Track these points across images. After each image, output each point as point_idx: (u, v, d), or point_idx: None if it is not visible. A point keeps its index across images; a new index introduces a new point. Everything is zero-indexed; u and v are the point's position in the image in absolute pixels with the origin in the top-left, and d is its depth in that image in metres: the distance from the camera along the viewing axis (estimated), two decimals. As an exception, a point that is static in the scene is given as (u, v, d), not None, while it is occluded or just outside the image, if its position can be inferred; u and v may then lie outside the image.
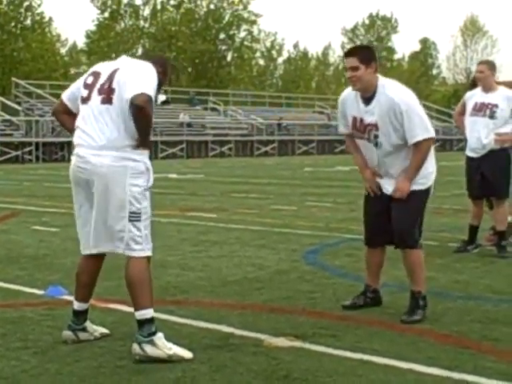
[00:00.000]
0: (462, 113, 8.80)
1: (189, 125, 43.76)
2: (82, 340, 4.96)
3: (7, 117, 37.86)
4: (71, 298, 6.09)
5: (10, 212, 12.93)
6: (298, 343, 4.91)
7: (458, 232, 9.26)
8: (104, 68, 4.90)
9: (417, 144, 5.46)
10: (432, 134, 5.52)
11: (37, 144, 36.20)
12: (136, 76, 4.68)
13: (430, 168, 5.69)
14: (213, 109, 49.93)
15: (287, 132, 48.33)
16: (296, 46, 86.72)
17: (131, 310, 5.57)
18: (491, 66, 8.69)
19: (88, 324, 5.05)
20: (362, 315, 5.69)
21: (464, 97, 8.84)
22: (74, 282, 5.11)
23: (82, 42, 71.58)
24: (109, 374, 4.32)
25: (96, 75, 4.86)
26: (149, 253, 4.75)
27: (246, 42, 73.14)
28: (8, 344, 4.93)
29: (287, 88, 75.50)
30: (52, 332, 5.19)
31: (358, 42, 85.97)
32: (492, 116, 8.38)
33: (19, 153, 35.86)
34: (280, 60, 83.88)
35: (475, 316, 5.60)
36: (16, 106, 39.74)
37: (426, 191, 5.69)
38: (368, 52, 5.66)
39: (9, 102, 40.18)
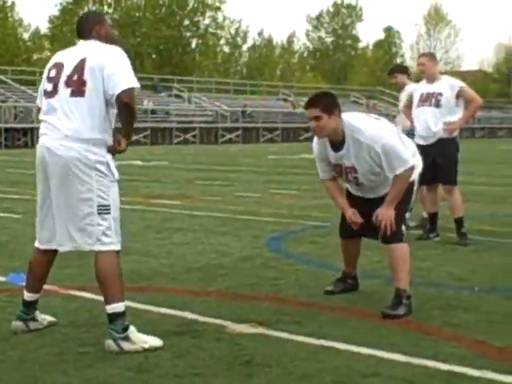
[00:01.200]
0: (409, 105, 9.11)
1: (153, 111, 43.58)
2: (31, 330, 4.90)
3: (-31, 102, 37.41)
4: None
5: (-28, 198, 12.79)
6: (261, 329, 4.93)
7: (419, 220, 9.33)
8: (67, 58, 4.72)
9: (397, 175, 5.39)
10: (410, 163, 5.39)
11: (-1, 130, 35.83)
12: (115, 67, 4.55)
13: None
14: (177, 95, 49.79)
15: (251, 119, 48.32)
16: (261, 33, 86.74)
17: (93, 296, 5.59)
18: (432, 57, 9.07)
19: (37, 313, 4.99)
20: (325, 301, 5.72)
21: (409, 90, 9.27)
22: (27, 273, 5.04)
23: (45, 27, 70.92)
24: (71, 361, 4.30)
25: (59, 67, 4.71)
26: (118, 246, 4.65)
27: (210, 29, 73.00)
28: (-31, 331, 4.89)
29: (252, 75, 75.44)
30: (13, 319, 5.14)
31: (323, 30, 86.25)
32: (438, 104, 8.62)
33: (-19, 138, 35.47)
34: (245, 47, 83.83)
35: (436, 302, 5.66)
36: (-23, 92, 39.28)
37: (410, 187, 5.58)
38: (329, 100, 5.47)
39: (-30, 88, 39.70)
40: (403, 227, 5.53)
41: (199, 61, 72.26)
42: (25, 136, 36.60)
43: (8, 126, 36.58)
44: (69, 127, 4.56)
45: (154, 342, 4.57)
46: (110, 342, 4.50)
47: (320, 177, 5.87)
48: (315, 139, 5.68)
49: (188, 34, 71.73)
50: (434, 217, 8.82)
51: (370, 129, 5.39)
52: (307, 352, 4.47)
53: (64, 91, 4.63)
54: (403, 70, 10.26)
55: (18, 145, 36.22)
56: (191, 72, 67.12)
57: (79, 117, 4.57)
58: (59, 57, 4.81)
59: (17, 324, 4.92)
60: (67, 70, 4.65)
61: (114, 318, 4.54)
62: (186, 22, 71.28)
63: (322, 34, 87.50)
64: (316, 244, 8.24)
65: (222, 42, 78.66)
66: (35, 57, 70.04)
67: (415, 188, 5.70)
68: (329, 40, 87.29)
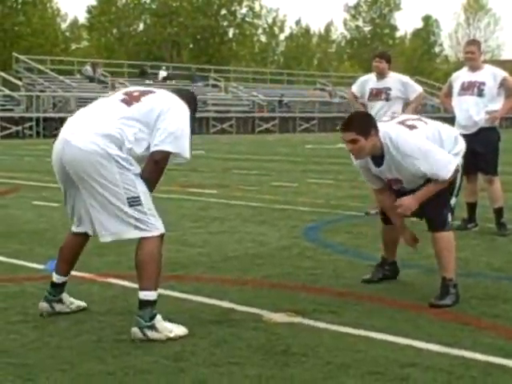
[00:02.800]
0: (449, 94, 9.04)
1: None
2: (57, 311, 4.98)
3: (8, 92, 37.76)
4: (71, 272, 6.12)
5: (11, 187, 12.93)
6: (297, 319, 4.92)
7: (459, 210, 9.24)
8: (137, 88, 4.92)
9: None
10: (452, 167, 5.30)
11: (37, 119, 36.12)
12: (171, 123, 4.59)
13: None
14: (214, 85, 49.80)
15: (288, 109, 48.23)
16: (298, 22, 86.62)
17: (131, 284, 5.61)
18: (479, 45, 8.96)
19: (64, 295, 5.06)
20: (362, 291, 5.69)
21: (450, 78, 9.05)
22: (57, 255, 5.10)
23: (83, 17, 71.35)
24: (108, 349, 4.32)
25: (133, 89, 4.92)
26: (160, 230, 4.64)
27: (247, 18, 72.93)
28: (8, 318, 4.94)
29: (289, 65, 75.28)
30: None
31: (361, 20, 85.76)
32: (480, 94, 8.54)
33: (20, 128, 35.78)
34: (282, 36, 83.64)
35: (475, 293, 5.60)
36: (17, 81, 39.62)
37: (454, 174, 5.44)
38: (364, 121, 5.34)
39: (9, 77, 40.06)
40: (449, 215, 5.47)
41: (236, 50, 72.23)
42: (62, 125, 36.76)
43: (46, 115, 36.89)
44: (99, 124, 4.59)
45: (180, 330, 4.58)
46: (135, 330, 4.52)
47: (372, 188, 5.78)
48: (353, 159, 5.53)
49: (225, 24, 71.71)
50: (473, 206, 8.75)
51: (408, 141, 5.28)
52: (344, 342, 4.45)
53: (119, 96, 4.78)
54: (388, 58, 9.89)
55: (55, 134, 36.33)
56: (228, 61, 67.13)
57: (112, 117, 4.60)
58: (131, 88, 4.99)
59: (42, 305, 5.01)
60: (130, 90, 4.85)
61: (144, 304, 4.54)
62: (223, 12, 71.26)
63: (360, 23, 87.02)
64: (353, 234, 8.20)
65: (259, 31, 78.62)
66: (73, 47, 70.55)
67: (459, 175, 5.59)
68: (366, 29, 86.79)
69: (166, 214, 9.46)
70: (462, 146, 5.64)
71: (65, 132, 4.72)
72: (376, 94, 9.62)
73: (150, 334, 4.50)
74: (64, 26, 71.55)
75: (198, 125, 42.35)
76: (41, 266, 6.51)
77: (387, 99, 9.54)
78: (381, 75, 9.59)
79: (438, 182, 5.31)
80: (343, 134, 5.29)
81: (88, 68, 44.65)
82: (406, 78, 9.87)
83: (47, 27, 61.27)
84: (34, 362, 4.09)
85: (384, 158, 5.34)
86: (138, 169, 4.58)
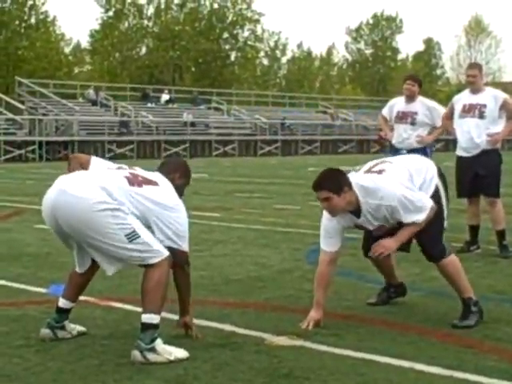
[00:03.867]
0: (450, 116, 9.03)
1: (192, 124, 43.76)
2: (59, 338, 4.97)
3: (10, 115, 37.90)
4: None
5: (13, 210, 12.94)
6: (300, 342, 4.92)
7: (461, 232, 9.25)
8: (142, 170, 5.01)
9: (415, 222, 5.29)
10: (427, 208, 5.24)
11: (40, 143, 36.20)
12: (180, 224, 4.77)
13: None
14: (216, 108, 49.95)
15: (290, 132, 48.32)
16: (300, 45, 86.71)
17: (133, 308, 5.62)
18: (480, 68, 9.00)
19: (67, 323, 5.06)
20: (364, 314, 5.69)
21: (452, 100, 9.07)
22: (67, 280, 5.15)
23: (85, 41, 71.65)
24: (110, 372, 4.32)
25: (131, 168, 5.00)
26: (164, 254, 4.66)
27: (249, 42, 73.12)
28: (10, 342, 4.94)
29: (291, 88, 75.47)
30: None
31: (362, 42, 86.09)
32: (481, 116, 8.56)
33: (22, 151, 35.88)
34: (284, 60, 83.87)
35: (477, 315, 5.59)
36: (19, 105, 39.77)
37: (437, 190, 5.49)
38: (335, 178, 5.24)
39: (12, 101, 40.21)
40: (443, 241, 5.46)
41: (238, 73, 72.42)
42: (65, 149, 36.96)
43: (49, 139, 36.99)
44: (96, 178, 4.69)
45: (180, 353, 4.58)
46: (136, 353, 4.52)
47: (324, 251, 5.62)
48: (328, 215, 5.44)
49: (227, 47, 71.94)
50: (475, 229, 8.75)
51: (382, 188, 5.22)
52: (346, 365, 4.45)
53: (123, 171, 4.86)
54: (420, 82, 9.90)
55: (58, 157, 36.57)
56: (230, 85, 67.31)
57: (113, 181, 4.67)
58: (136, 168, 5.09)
59: (45, 331, 5.00)
60: (136, 172, 4.91)
61: (146, 327, 4.55)
62: (225, 35, 71.52)
63: (362, 45, 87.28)
64: (355, 256, 8.17)
65: (261, 54, 78.76)
66: (76, 70, 70.77)
67: (442, 194, 5.55)
68: (368, 52, 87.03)
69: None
70: (432, 171, 5.56)
71: (60, 182, 4.70)
72: (402, 117, 9.53)
73: (151, 356, 4.50)
74: (67, 50, 71.89)
75: (201, 147, 42.47)
76: (43, 290, 6.52)
77: (412, 123, 9.44)
78: (410, 98, 9.53)
79: (413, 225, 5.27)
80: (316, 192, 5.25)
81: (91, 92, 44.80)
82: (433, 103, 9.78)
83: (50, 51, 61.44)
84: (36, 386, 4.09)
85: (361, 211, 5.29)
86: (129, 209, 4.61)
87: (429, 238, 5.40)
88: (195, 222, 11.27)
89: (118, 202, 4.56)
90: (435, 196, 5.42)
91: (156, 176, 4.94)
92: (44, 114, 39.31)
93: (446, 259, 5.42)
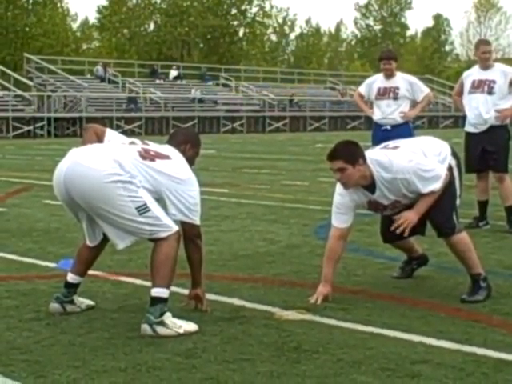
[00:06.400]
0: (460, 92, 9.02)
1: (200, 100, 43.71)
2: (68, 312, 5.01)
3: (19, 92, 37.90)
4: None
5: (22, 186, 12.98)
6: (308, 316, 4.94)
7: (470, 208, 9.24)
8: (153, 144, 5.02)
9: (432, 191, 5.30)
10: (442, 175, 5.26)
11: (49, 119, 36.24)
12: (191, 196, 4.79)
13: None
14: (224, 85, 49.82)
15: (299, 108, 48.22)
16: (308, 21, 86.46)
17: (142, 282, 5.65)
18: (491, 44, 9.02)
19: (75, 297, 5.10)
20: (373, 289, 5.70)
21: (462, 76, 9.05)
22: (76, 255, 5.20)
23: (93, 18, 71.48)
24: (120, 345, 4.34)
25: (143, 143, 5.01)
26: (174, 228, 4.70)
27: (257, 18, 72.83)
28: (21, 315, 4.97)
29: (299, 64, 75.23)
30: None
31: (371, 18, 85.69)
32: (490, 92, 8.56)
33: (31, 128, 35.90)
34: (292, 36, 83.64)
35: (486, 290, 5.59)
36: (28, 82, 39.79)
37: (451, 169, 5.45)
38: (352, 149, 5.26)
39: (21, 78, 40.21)
40: (454, 217, 5.43)
41: (246, 50, 72.22)
42: (74, 125, 36.99)
43: (57, 115, 37.00)
44: (109, 151, 4.72)
45: (189, 327, 4.61)
46: (145, 326, 4.55)
47: (334, 227, 5.58)
48: (342, 188, 5.40)
49: (235, 23, 71.68)
50: (484, 205, 8.75)
51: (396, 162, 5.23)
52: (355, 339, 4.46)
53: (135, 146, 4.88)
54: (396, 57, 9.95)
55: (67, 134, 36.62)
56: (238, 61, 67.15)
57: (126, 155, 4.69)
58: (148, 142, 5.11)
59: (54, 306, 5.03)
60: (148, 147, 4.91)
61: (155, 301, 4.58)
62: (234, 11, 71.25)
63: (371, 21, 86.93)
64: (363, 232, 8.20)
65: (270, 30, 78.57)
66: (84, 47, 70.67)
67: (456, 174, 5.55)
68: (377, 28, 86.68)
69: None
70: (446, 151, 5.55)
71: (72, 154, 4.73)
72: (383, 93, 9.61)
73: (160, 329, 4.52)
74: (75, 26, 71.75)
75: (209, 124, 42.44)
76: (52, 265, 6.55)
77: (395, 98, 9.51)
78: (390, 76, 9.58)
79: (431, 195, 5.28)
80: (330, 163, 5.22)
81: (99, 68, 44.73)
82: (414, 79, 9.86)
83: (58, 27, 61.33)
84: (47, 359, 4.11)
85: (376, 186, 5.28)
86: (140, 182, 4.64)
87: (440, 214, 5.38)
88: (204, 198, 11.20)
89: (131, 174, 4.58)
90: (448, 174, 5.40)
91: (168, 149, 4.95)
92: (52, 91, 39.29)
93: (456, 236, 5.40)
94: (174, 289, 4.87)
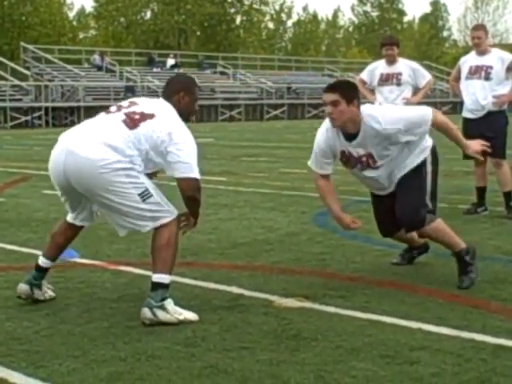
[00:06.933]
0: (458, 78, 9.07)
1: (198, 89, 43.56)
2: (33, 297, 5.01)
3: (16, 82, 37.79)
4: (83, 260, 6.19)
5: (21, 176, 12.98)
6: (307, 304, 4.95)
7: (468, 194, 9.26)
8: (143, 102, 4.91)
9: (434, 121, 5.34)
10: (430, 111, 5.33)
11: (46, 109, 36.19)
12: (178, 149, 4.63)
13: (426, 143, 5.52)
14: (222, 73, 49.73)
15: (297, 96, 48.14)
16: (305, 8, 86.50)
17: (141, 272, 5.66)
18: (485, 29, 8.99)
19: (44, 282, 5.10)
20: (371, 276, 5.71)
21: (459, 62, 9.08)
22: (48, 239, 5.22)
23: (90, 6, 71.25)
24: (120, 335, 4.35)
25: (132, 103, 4.89)
26: (174, 213, 4.72)
27: (254, 5, 72.64)
28: (20, 306, 4.97)
29: (297, 51, 75.09)
30: (63, 294, 5.24)
31: (369, 5, 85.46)
32: (487, 77, 8.59)
33: (29, 118, 35.89)
34: (289, 23, 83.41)
35: (484, 276, 5.59)
36: (25, 71, 39.67)
37: (424, 164, 5.48)
38: (350, 87, 5.32)
39: (18, 67, 40.11)
40: (423, 210, 5.38)
41: (244, 37, 72.06)
42: (71, 115, 36.94)
43: (55, 105, 36.94)
44: (100, 135, 4.63)
45: (190, 315, 4.62)
46: (145, 310, 4.55)
47: (314, 171, 5.63)
48: (324, 129, 5.41)
49: (232, 11, 71.50)
50: (482, 191, 8.75)
51: (387, 113, 5.27)
52: (354, 326, 4.47)
53: (119, 115, 4.74)
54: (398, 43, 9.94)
55: (64, 123, 36.54)
56: (236, 49, 67.00)
57: (116, 133, 4.61)
58: (138, 99, 5.04)
59: (24, 287, 5.02)
60: (135, 108, 4.77)
61: (156, 287, 4.58)
62: (230, -1, 71.09)
63: (368, 8, 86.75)
64: (362, 219, 8.15)
65: (267, 18, 78.37)
66: (81, 36, 70.47)
67: (429, 170, 5.52)
68: (374, 14, 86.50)
69: (175, 201, 9.50)
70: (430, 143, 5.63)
71: (67, 142, 4.69)
72: (386, 79, 9.58)
73: (160, 314, 4.54)
74: (71, 15, 71.52)
75: (207, 112, 42.36)
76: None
77: (398, 84, 9.48)
78: (392, 61, 9.56)
79: (441, 121, 5.39)
80: (326, 95, 5.20)
81: (96, 57, 44.63)
82: (416, 65, 9.84)
83: (54, 17, 61.17)
84: (47, 349, 4.12)
85: (359, 134, 5.26)
86: (140, 166, 4.63)
87: (407, 208, 5.38)
88: (202, 187, 11.27)
89: (130, 159, 4.56)
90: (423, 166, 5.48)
91: (154, 105, 4.84)
92: (49, 80, 39.20)
93: (427, 227, 5.39)
94: (173, 278, 4.87)
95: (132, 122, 4.68)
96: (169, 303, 4.59)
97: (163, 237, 4.64)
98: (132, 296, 5.17)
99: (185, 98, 4.93)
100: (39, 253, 6.57)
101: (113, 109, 4.89)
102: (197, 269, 5.98)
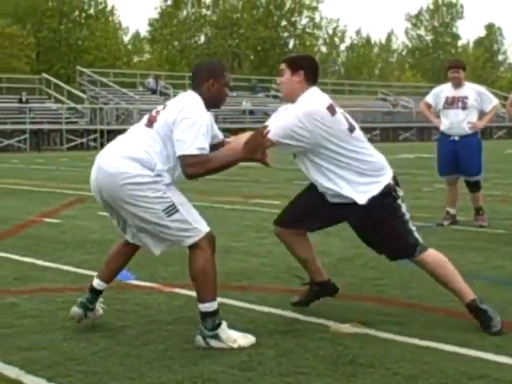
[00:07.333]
0: None
1: (251, 112, 43.82)
2: (88, 318, 4.99)
3: (72, 104, 38.44)
4: (138, 282, 6.22)
5: (76, 198, 13.13)
6: (363, 329, 4.90)
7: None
8: (159, 108, 4.88)
9: None
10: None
11: (101, 131, 36.65)
12: (178, 127, 4.54)
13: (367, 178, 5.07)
14: (275, 96, 49.84)
15: (350, 119, 47.99)
16: (358, 32, 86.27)
17: (192, 293, 5.65)
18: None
19: (97, 304, 5.07)
20: (428, 302, 5.64)
21: None
22: (104, 262, 5.19)
23: (144, 31, 72.22)
24: (176, 358, 4.36)
25: (164, 106, 4.87)
26: (205, 230, 4.59)
27: (307, 29, 72.90)
28: (77, 326, 5.01)
29: (350, 75, 75.05)
30: (120, 315, 5.28)
31: (422, 28, 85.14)
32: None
33: (84, 140, 36.39)
34: (342, 47, 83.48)
35: (544, 304, 5.50)
36: (81, 94, 40.34)
37: (382, 196, 5.03)
38: (302, 60, 5.08)
39: (74, 90, 40.80)
40: (411, 237, 5.02)
41: (297, 61, 72.23)
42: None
43: (110, 127, 37.40)
44: (126, 147, 4.62)
45: (245, 341, 4.58)
46: (199, 338, 4.57)
47: None
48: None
49: (285, 35, 71.87)
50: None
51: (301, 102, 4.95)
52: (411, 353, 4.42)
53: (144, 120, 4.77)
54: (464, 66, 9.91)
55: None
56: (289, 73, 67.15)
57: (138, 140, 4.63)
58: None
59: (77, 311, 4.93)
60: (160, 108, 4.79)
61: (205, 316, 4.58)
62: (284, 23, 71.46)
63: (422, 31, 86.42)
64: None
65: (320, 42, 78.58)
66: (136, 59, 71.40)
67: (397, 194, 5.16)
68: (428, 38, 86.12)
69: (230, 224, 9.55)
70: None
71: (98, 158, 4.74)
72: (452, 102, 9.48)
73: (214, 343, 4.53)
74: (126, 39, 72.59)
75: (260, 136, 42.39)
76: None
77: (464, 107, 9.41)
78: (458, 85, 9.49)
79: None
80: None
81: (150, 80, 45.15)
82: (483, 89, 9.74)
83: (110, 41, 62.15)
84: (104, 370, 4.15)
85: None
86: (167, 179, 4.59)
87: (393, 240, 5.08)
88: (256, 210, 11.31)
89: (156, 171, 4.53)
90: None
91: (175, 100, 4.79)
92: (105, 103, 39.76)
93: (421, 255, 5.01)
94: (227, 301, 4.87)
95: (153, 119, 4.68)
96: (222, 330, 4.56)
97: (198, 263, 4.56)
98: (187, 319, 5.18)
99: (214, 85, 4.78)
100: (94, 274, 6.66)
101: (146, 117, 4.86)
102: (252, 292, 5.97)
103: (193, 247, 4.59)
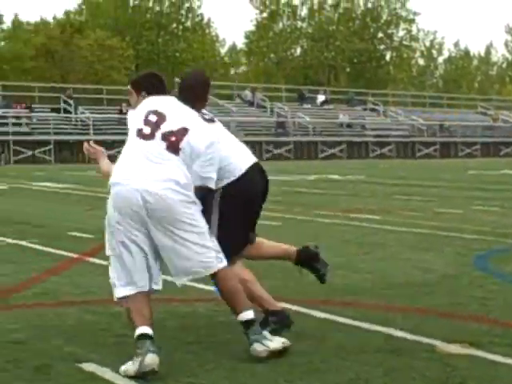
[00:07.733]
0: None
1: (348, 125, 43.68)
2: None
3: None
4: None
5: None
6: (472, 350, 4.79)
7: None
8: (168, 111, 4.75)
9: None
10: None
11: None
12: (209, 161, 4.70)
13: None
14: (372, 109, 49.58)
15: (449, 134, 47.36)
16: (457, 44, 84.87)
17: (298, 308, 5.70)
18: None
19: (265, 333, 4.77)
20: (537, 324, 5.49)
21: None
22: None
23: (241, 43, 72.84)
24: (282, 373, 4.35)
25: (160, 117, 4.71)
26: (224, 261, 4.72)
27: (404, 41, 72.24)
28: (182, 338, 5.07)
29: (448, 88, 74.00)
30: (224, 328, 5.30)
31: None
32: None
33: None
34: (440, 59, 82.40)
35: None
36: (179, 106, 40.82)
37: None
38: (145, 78, 5.13)
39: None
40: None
41: (394, 74, 71.70)
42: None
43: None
44: (164, 172, 4.56)
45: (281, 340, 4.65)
46: (255, 346, 4.56)
47: None
48: None
49: (382, 47, 71.37)
50: None
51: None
52: (523, 376, 4.31)
53: (160, 142, 4.62)
54: None
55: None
56: (385, 85, 66.74)
57: (170, 165, 4.58)
58: (160, 106, 4.79)
59: (154, 358, 4.34)
60: (167, 126, 4.67)
61: (248, 323, 4.62)
62: (380, 35, 70.96)
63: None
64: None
65: (417, 54, 77.74)
66: (232, 71, 72.07)
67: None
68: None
69: (330, 238, 9.52)
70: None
71: (134, 180, 4.55)
72: None
73: (268, 343, 4.56)
74: (223, 51, 73.31)
75: (357, 149, 42.31)
76: (212, 288, 6.62)
77: None
78: None
79: None
80: None
81: (247, 92, 45.47)
82: None
83: (207, 53, 62.92)
84: (210, 383, 4.18)
85: None
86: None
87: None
88: (355, 225, 11.24)
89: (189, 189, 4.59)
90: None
91: (182, 116, 4.77)
92: (203, 115, 40.15)
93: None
94: (331, 317, 4.84)
95: (173, 146, 4.60)
96: (266, 334, 4.64)
97: (226, 288, 4.71)
98: (295, 334, 5.14)
99: (197, 105, 5.08)
100: (198, 285, 6.68)
101: (146, 130, 4.67)
102: (356, 309, 5.92)
103: (219, 278, 4.73)
